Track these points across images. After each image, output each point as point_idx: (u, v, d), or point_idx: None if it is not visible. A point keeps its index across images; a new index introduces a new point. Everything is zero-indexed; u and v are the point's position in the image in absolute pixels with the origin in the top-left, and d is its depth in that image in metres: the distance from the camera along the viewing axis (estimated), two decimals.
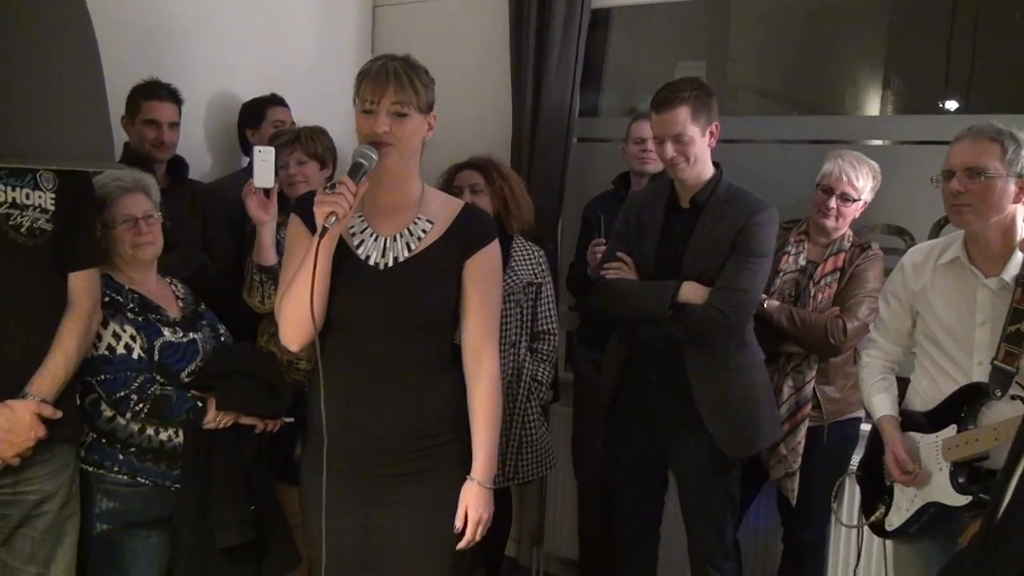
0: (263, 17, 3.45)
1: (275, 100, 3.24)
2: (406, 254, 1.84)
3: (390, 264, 1.84)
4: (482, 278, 1.88)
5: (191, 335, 2.32)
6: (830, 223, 2.66)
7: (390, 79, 1.75)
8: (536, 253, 2.99)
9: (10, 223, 1.91)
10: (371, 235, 1.87)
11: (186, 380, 2.27)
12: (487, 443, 1.90)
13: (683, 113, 2.34)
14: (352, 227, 1.87)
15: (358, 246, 1.86)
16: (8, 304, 1.93)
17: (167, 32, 3.09)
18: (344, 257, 1.84)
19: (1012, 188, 1.95)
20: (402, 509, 1.88)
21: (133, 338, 2.19)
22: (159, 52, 3.03)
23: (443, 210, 1.90)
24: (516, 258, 2.93)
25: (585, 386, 3.20)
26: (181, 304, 2.38)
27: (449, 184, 2.94)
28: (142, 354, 2.20)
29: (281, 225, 2.68)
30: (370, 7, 3.96)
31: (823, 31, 3.55)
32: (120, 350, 2.17)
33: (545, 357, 2.97)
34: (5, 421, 1.89)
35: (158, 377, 2.21)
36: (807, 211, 2.75)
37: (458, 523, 1.87)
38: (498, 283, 1.94)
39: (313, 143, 2.72)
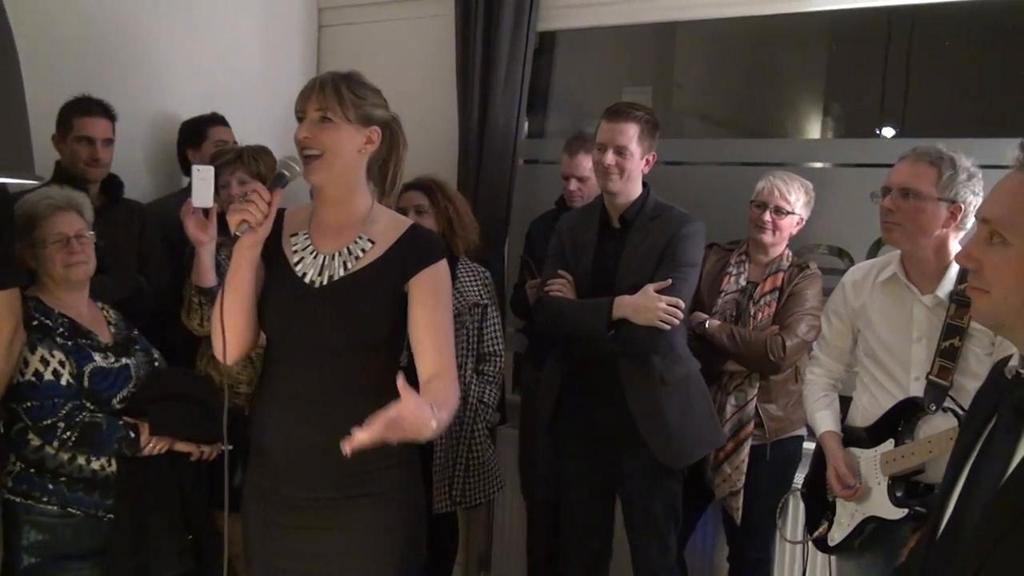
0: (206, 33, 3.40)
1: (216, 119, 3.18)
2: (342, 272, 1.80)
3: (324, 283, 1.80)
4: (428, 297, 1.80)
5: (123, 360, 2.26)
6: (767, 237, 2.70)
7: (315, 87, 1.74)
8: (482, 274, 2.98)
9: None
10: (311, 252, 1.83)
11: (118, 407, 2.20)
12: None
13: (632, 129, 2.41)
14: (295, 244, 1.84)
15: (297, 263, 1.83)
16: None
17: (105, 47, 3.02)
18: (282, 274, 1.81)
19: (943, 212, 1.99)
20: (344, 535, 1.83)
21: (62, 363, 2.12)
22: (95, 67, 2.97)
23: (388, 229, 1.85)
24: (462, 279, 2.91)
25: (532, 407, 3.18)
26: (113, 329, 2.31)
27: (394, 205, 2.92)
28: (71, 380, 2.13)
29: (221, 246, 2.63)
30: (315, 26, 3.93)
31: (765, 57, 3.63)
32: (48, 376, 2.10)
33: (492, 379, 2.96)
34: None
35: (88, 404, 2.14)
36: (746, 233, 2.80)
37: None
38: (447, 302, 1.88)
39: (256, 162, 2.68)
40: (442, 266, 1.85)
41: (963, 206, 1.99)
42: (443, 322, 1.84)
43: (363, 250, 1.82)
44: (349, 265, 1.81)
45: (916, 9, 3.06)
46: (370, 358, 1.81)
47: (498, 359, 2.98)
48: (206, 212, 2.42)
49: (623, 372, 2.44)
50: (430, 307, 1.80)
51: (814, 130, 3.84)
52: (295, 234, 1.86)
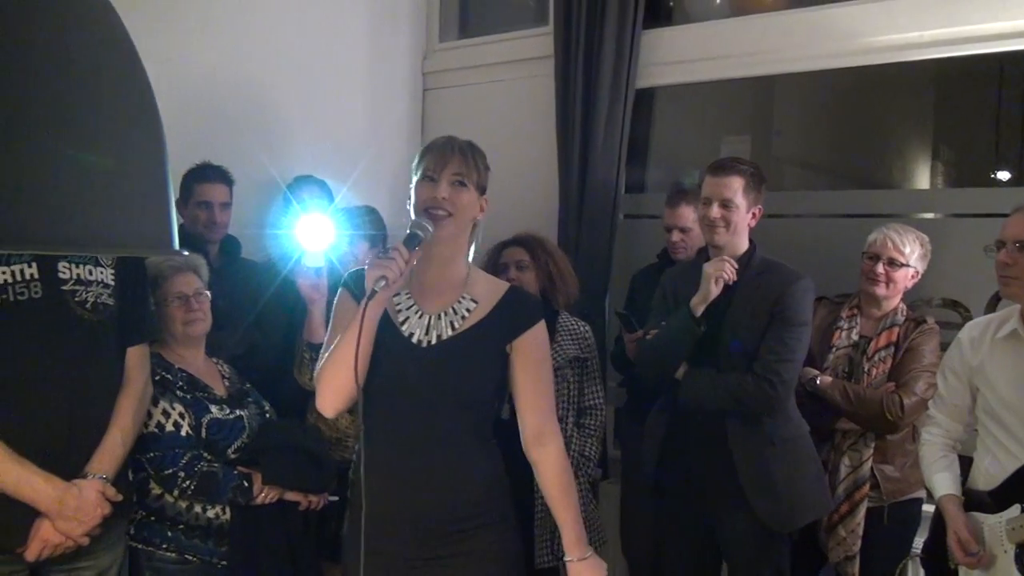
0: (317, 97, 3.56)
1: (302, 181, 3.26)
2: (450, 332, 1.84)
3: (433, 342, 1.83)
4: (532, 359, 1.87)
5: (237, 412, 2.36)
6: (880, 290, 2.61)
7: (455, 151, 1.81)
8: (582, 328, 2.98)
9: (76, 299, 1.97)
10: (416, 312, 1.87)
11: (232, 456, 2.29)
12: (570, 520, 1.89)
13: (737, 182, 2.41)
14: (398, 304, 1.88)
15: (403, 323, 1.86)
16: (75, 380, 1.96)
17: (221, 114, 3.21)
18: (388, 333, 1.83)
19: None
20: None
21: (182, 416, 2.23)
22: (212, 134, 3.14)
23: (489, 290, 1.91)
24: (562, 333, 2.92)
25: (633, 462, 3.14)
26: (227, 383, 2.43)
27: (495, 261, 2.97)
28: (190, 431, 2.23)
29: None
30: (420, 89, 4.08)
31: (867, 103, 3.55)
32: (169, 428, 2.21)
33: (592, 432, 2.94)
34: (74, 500, 1.90)
35: (205, 454, 2.24)
36: (856, 286, 2.72)
37: None
38: (548, 362, 1.94)
39: (367, 226, 2.79)
40: (541, 327, 1.90)
41: None
42: (545, 381, 1.91)
43: (468, 310, 1.86)
44: (456, 325, 1.84)
45: None
46: (472, 414, 1.86)
47: (599, 412, 2.96)
48: (317, 271, 2.54)
49: (730, 430, 2.40)
50: (533, 368, 1.87)
51: (923, 178, 3.73)
52: (397, 294, 1.86)
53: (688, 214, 2.99)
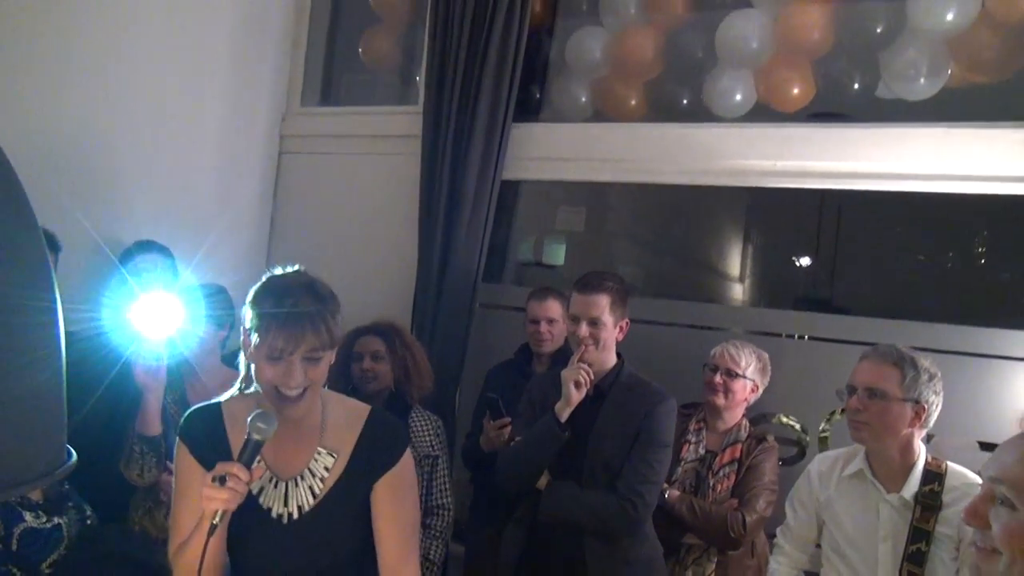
0: (164, 154, 3.32)
1: (139, 248, 2.99)
2: (311, 500, 1.67)
3: (295, 515, 1.66)
4: (393, 496, 1.71)
5: (55, 520, 2.08)
6: (719, 400, 2.73)
7: (306, 327, 1.56)
8: (434, 424, 2.91)
9: None
10: (271, 481, 1.68)
11: (47, 572, 2.02)
12: None
13: (604, 300, 2.43)
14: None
15: (259, 494, 1.67)
16: None
17: (51, 167, 2.89)
18: (247, 505, 1.60)
19: (908, 412, 2.04)
20: None
21: None
22: (38, 189, 2.84)
23: (347, 430, 1.72)
24: (415, 430, 2.84)
25: (478, 565, 3.07)
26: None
27: (349, 348, 2.86)
28: None
29: (168, 390, 2.51)
30: (276, 152, 3.90)
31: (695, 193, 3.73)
32: None
33: (438, 534, 2.85)
34: None
35: (15, 570, 1.96)
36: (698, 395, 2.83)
37: None
38: (411, 495, 1.78)
39: (210, 305, 2.59)
40: (406, 459, 1.75)
41: (927, 406, 2.04)
42: (409, 515, 1.75)
43: (327, 468, 1.69)
44: (316, 490, 1.67)
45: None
46: (345, 573, 1.71)
47: (446, 512, 2.88)
48: (157, 357, 2.33)
49: (587, 547, 2.38)
50: (395, 505, 1.71)
51: (736, 296, 4.01)
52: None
53: (555, 307, 3.00)
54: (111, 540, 2.21)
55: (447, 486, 2.89)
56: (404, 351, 2.88)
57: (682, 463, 2.72)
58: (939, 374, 2.08)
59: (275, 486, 1.68)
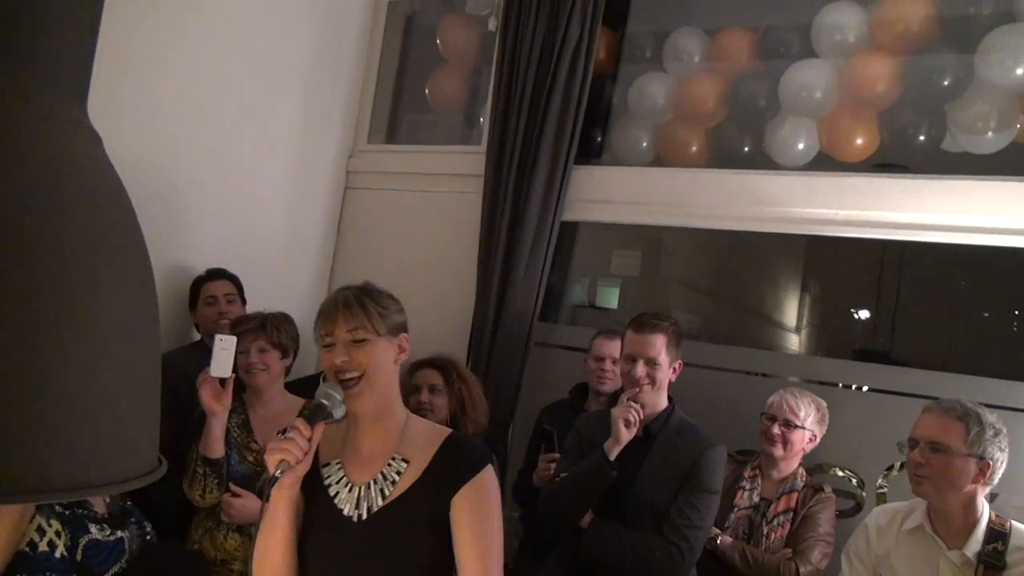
0: (234, 188, 3.44)
1: (209, 275, 3.14)
2: (380, 503, 1.69)
3: (364, 516, 1.68)
4: (473, 509, 1.65)
5: (118, 533, 2.15)
6: (777, 451, 2.69)
7: (339, 308, 1.69)
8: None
9: None
10: (345, 485, 1.72)
11: None
12: None
13: (660, 340, 2.44)
14: (328, 476, 1.74)
15: (335, 496, 1.71)
16: None
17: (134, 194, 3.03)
18: (323, 505, 1.69)
19: (972, 468, 2.01)
20: None
21: (58, 534, 2.01)
22: None
23: (425, 444, 1.73)
24: None
25: None
26: (107, 500, 2.22)
27: (407, 381, 2.90)
28: (64, 553, 2.01)
29: (232, 413, 2.58)
30: (342, 187, 4.01)
31: (751, 238, 3.72)
32: (42, 547, 1.98)
33: None
34: None
35: None
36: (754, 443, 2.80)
37: None
38: (493, 515, 1.69)
39: (277, 332, 2.66)
40: (487, 475, 1.70)
41: (991, 462, 2.01)
42: (489, 536, 1.67)
43: (398, 472, 1.70)
44: (386, 492, 1.69)
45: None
46: None
47: None
48: (223, 382, 2.41)
49: None
50: (475, 525, 1.66)
51: (792, 315, 3.95)
52: (327, 464, 1.75)
53: (617, 346, 3.00)
54: (168, 558, 2.27)
55: None
56: (461, 384, 2.91)
57: (735, 510, 2.69)
58: (1004, 430, 2.05)
59: (349, 491, 1.71)
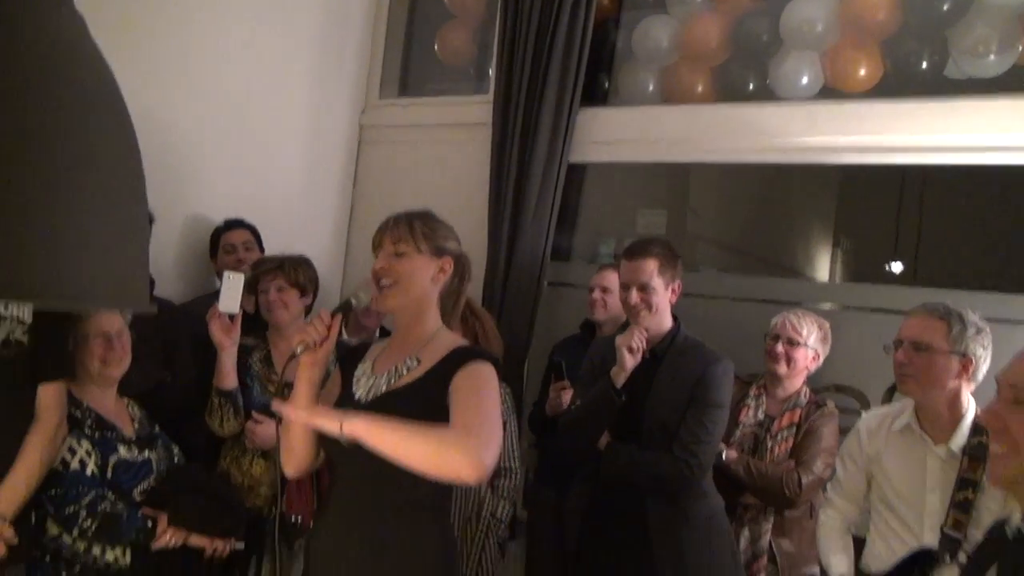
0: (249, 141, 3.54)
1: (228, 225, 3.26)
2: (383, 389, 1.85)
3: (368, 399, 1.85)
4: (463, 390, 1.72)
5: (146, 453, 2.31)
6: (781, 368, 2.75)
7: (389, 223, 1.91)
8: (503, 391, 3.02)
9: None
10: (365, 374, 1.92)
11: (139, 499, 2.23)
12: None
13: (651, 264, 2.48)
14: (361, 370, 1.94)
15: (355, 382, 1.91)
16: None
17: (148, 148, 3.14)
18: (345, 391, 1.91)
19: (955, 365, 2.06)
20: None
21: (88, 453, 2.17)
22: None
23: (439, 350, 1.85)
24: None
25: (540, 528, 3.18)
26: (136, 424, 2.37)
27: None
28: (95, 470, 2.17)
29: (254, 348, 2.72)
30: (356, 142, 4.11)
31: (776, 195, 3.78)
32: (74, 465, 2.14)
33: (505, 494, 2.96)
34: None
35: (109, 494, 2.17)
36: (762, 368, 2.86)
37: None
38: (485, 391, 1.75)
39: (295, 272, 2.77)
40: (485, 366, 1.79)
41: (974, 359, 2.06)
42: (483, 404, 1.71)
43: (408, 368, 1.85)
44: (392, 381, 1.85)
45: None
46: (408, 477, 1.64)
47: (514, 475, 2.98)
48: (231, 317, 2.51)
49: (649, 507, 2.44)
50: (463, 395, 1.72)
51: (823, 266, 3.96)
52: (364, 360, 1.96)
53: (611, 277, 3.08)
54: (197, 477, 2.42)
55: (514, 450, 3.00)
56: (474, 320, 3.00)
57: (741, 426, 2.76)
58: (987, 329, 2.09)
59: (367, 378, 1.90)
